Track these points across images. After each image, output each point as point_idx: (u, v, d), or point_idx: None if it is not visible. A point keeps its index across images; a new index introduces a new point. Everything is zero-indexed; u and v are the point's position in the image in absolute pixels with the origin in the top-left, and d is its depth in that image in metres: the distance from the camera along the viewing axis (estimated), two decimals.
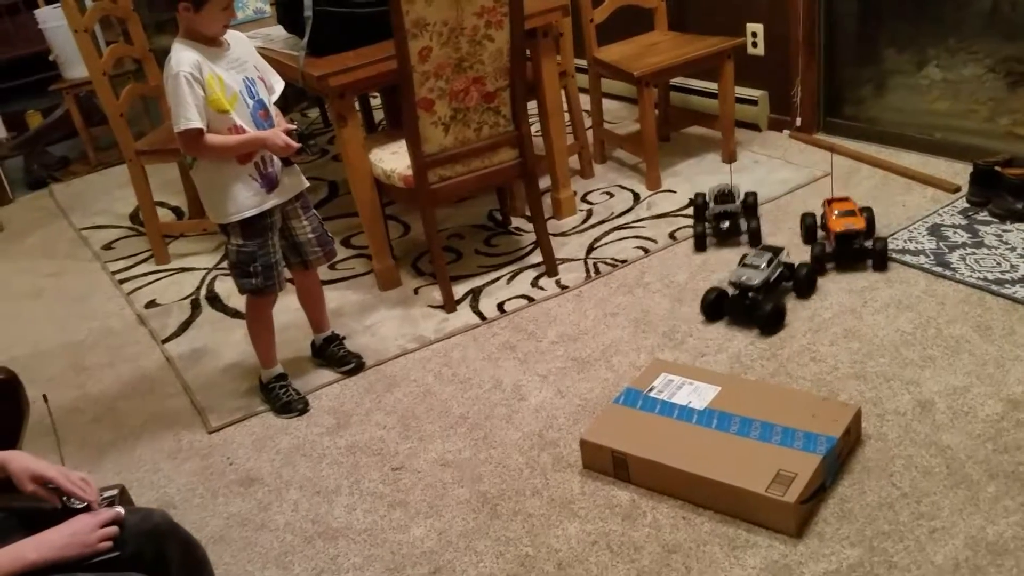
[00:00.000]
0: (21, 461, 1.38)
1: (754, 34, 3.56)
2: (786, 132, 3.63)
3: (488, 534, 1.91)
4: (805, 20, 3.37)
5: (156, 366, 2.75)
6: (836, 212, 2.68)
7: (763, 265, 2.47)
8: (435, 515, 1.99)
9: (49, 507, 1.37)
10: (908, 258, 2.62)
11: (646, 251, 2.95)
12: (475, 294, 2.86)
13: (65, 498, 1.38)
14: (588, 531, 1.87)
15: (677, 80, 3.74)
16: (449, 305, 2.79)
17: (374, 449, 2.23)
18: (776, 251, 2.55)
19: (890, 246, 2.64)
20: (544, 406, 2.28)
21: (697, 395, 2.08)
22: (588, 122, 3.64)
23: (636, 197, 3.34)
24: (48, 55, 4.66)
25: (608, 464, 1.98)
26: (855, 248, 2.60)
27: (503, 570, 1.81)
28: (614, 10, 3.48)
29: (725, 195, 2.91)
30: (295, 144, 2.19)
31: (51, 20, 4.43)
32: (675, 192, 3.31)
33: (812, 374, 2.22)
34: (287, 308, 2.66)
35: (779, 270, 2.51)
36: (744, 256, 2.56)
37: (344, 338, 2.64)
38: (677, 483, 1.89)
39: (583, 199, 3.38)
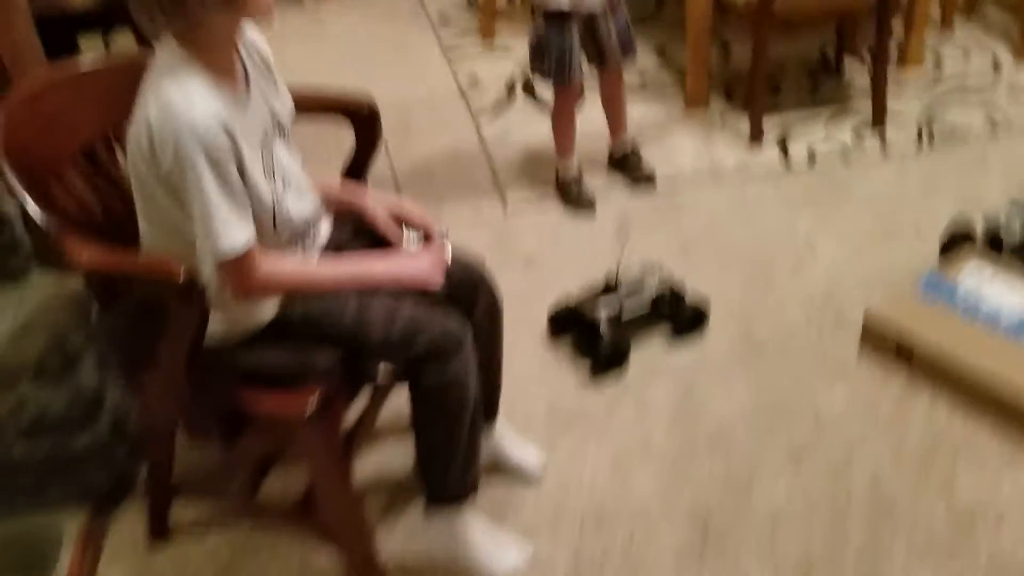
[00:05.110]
0: (373, 197, 1.50)
1: None
2: None
3: (749, 368, 1.92)
4: None
5: (469, 139, 2.92)
6: None
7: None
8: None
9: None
10: None
11: (994, 126, 2.61)
12: (785, 131, 2.71)
13: (404, 227, 1.48)
14: (856, 396, 1.83)
15: None
16: (756, 135, 2.66)
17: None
18: None
19: None
20: (836, 263, 2.19)
21: (1011, 296, 1.87)
22: None
23: (996, 66, 2.91)
24: None
25: (891, 351, 1.87)
26: None
27: (758, 404, 1.83)
28: None
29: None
30: None
31: None
32: None
33: None
34: (589, 118, 2.66)
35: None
36: None
37: (641, 152, 2.64)
38: (969, 392, 1.76)
39: (934, 51, 3.00)
